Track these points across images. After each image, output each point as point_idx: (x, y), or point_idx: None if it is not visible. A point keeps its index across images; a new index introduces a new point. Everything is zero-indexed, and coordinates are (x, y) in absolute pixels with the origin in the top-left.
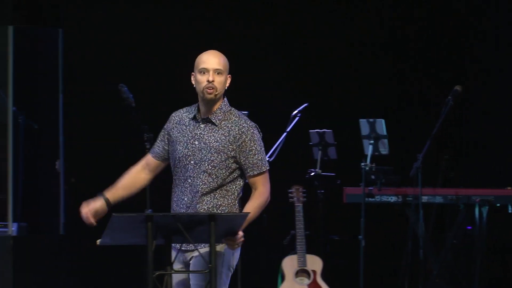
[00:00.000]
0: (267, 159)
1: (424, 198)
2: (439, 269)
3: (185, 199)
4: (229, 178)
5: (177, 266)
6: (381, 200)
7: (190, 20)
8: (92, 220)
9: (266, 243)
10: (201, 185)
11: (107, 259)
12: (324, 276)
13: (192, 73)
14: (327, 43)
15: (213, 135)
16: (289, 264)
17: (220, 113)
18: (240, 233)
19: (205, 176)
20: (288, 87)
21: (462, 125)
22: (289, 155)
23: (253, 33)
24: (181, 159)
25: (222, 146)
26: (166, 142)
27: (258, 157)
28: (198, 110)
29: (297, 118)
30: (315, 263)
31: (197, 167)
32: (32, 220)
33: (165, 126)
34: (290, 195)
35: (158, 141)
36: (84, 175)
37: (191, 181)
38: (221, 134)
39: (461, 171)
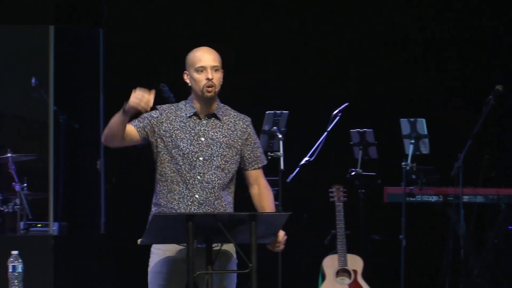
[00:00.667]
0: (308, 159)
1: (465, 198)
2: (480, 269)
3: (197, 196)
4: (235, 173)
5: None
6: (422, 199)
7: (232, 19)
8: (150, 104)
9: (306, 242)
10: (217, 180)
11: (148, 258)
12: (365, 276)
13: (185, 71)
14: (368, 42)
15: (219, 131)
16: (330, 263)
17: (220, 108)
18: (282, 233)
19: (219, 172)
20: (329, 87)
21: (503, 125)
22: (330, 154)
23: (294, 32)
24: (187, 156)
25: (232, 140)
26: (150, 129)
27: (260, 150)
28: (193, 106)
29: (338, 118)
30: (356, 262)
31: (208, 163)
32: (73, 220)
33: (153, 114)
34: (331, 194)
35: (140, 119)
36: (125, 174)
37: (201, 177)
38: (227, 129)
39: (502, 170)
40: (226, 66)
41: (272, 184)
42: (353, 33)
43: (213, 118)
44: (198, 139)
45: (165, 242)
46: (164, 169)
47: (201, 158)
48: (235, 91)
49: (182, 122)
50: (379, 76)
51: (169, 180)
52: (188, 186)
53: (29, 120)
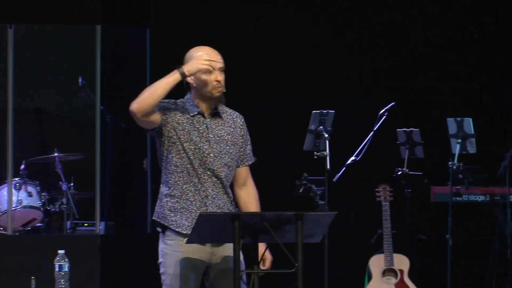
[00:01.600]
0: (354, 158)
1: None
2: None
3: (210, 190)
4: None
5: None
6: (468, 199)
7: (279, 18)
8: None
9: (353, 242)
10: (224, 177)
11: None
12: (411, 276)
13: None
14: (414, 42)
15: (222, 128)
16: (376, 263)
17: (220, 107)
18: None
19: (226, 168)
20: (376, 86)
21: None
22: (376, 154)
23: (340, 33)
24: (198, 151)
25: (234, 138)
26: (165, 118)
27: (250, 147)
28: (196, 105)
29: (384, 117)
30: (402, 262)
31: (217, 159)
32: (119, 219)
33: (166, 105)
34: (377, 194)
35: (157, 107)
36: None
37: (211, 173)
38: (228, 126)
39: None
40: (272, 64)
41: (318, 183)
42: (400, 31)
43: (216, 116)
44: (207, 136)
45: (211, 242)
46: (179, 160)
47: (211, 155)
48: (281, 90)
49: (188, 117)
50: (426, 75)
51: (185, 172)
52: (201, 180)
53: (76, 120)
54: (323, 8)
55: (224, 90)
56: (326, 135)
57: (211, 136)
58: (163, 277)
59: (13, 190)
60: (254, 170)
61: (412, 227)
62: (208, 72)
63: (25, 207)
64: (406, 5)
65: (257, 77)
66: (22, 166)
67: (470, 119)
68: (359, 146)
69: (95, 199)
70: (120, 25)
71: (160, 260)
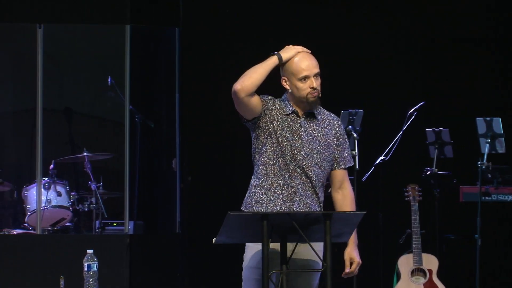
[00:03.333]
0: (383, 158)
1: None
2: None
3: (298, 187)
4: (329, 171)
5: None
6: (497, 199)
7: (309, 16)
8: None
9: (382, 241)
10: (315, 176)
11: (222, 257)
12: (440, 275)
13: (284, 77)
14: (442, 41)
15: (316, 129)
16: (405, 262)
17: (316, 109)
18: (356, 262)
19: (317, 168)
20: (405, 85)
21: None
22: (405, 153)
23: (369, 32)
24: (290, 147)
25: (328, 139)
26: (263, 110)
27: (348, 150)
28: (291, 105)
29: (413, 117)
30: (431, 262)
31: (308, 158)
32: (148, 219)
33: (265, 98)
34: (406, 193)
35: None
36: (201, 173)
37: (301, 171)
38: (323, 127)
39: None
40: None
41: None
42: (429, 30)
43: (311, 117)
44: (299, 134)
45: (240, 241)
46: (273, 153)
47: (302, 153)
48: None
49: (283, 114)
50: (456, 74)
51: (276, 165)
52: (291, 176)
53: (105, 120)
54: (353, 5)
55: (320, 95)
56: (355, 135)
57: (304, 134)
58: (244, 270)
59: (42, 189)
60: None
61: (441, 227)
62: (304, 79)
63: (54, 206)
64: (435, 3)
65: None
66: (51, 166)
67: (499, 119)
68: (388, 146)
69: (124, 199)
70: (149, 25)
71: (244, 254)
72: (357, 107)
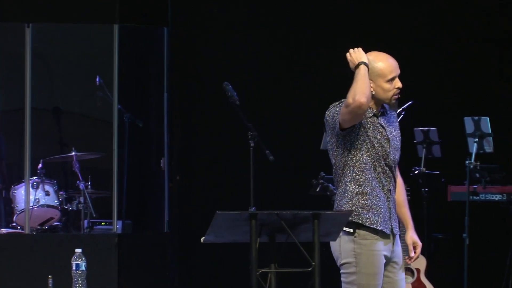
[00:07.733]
0: None
1: None
2: None
3: (390, 186)
4: None
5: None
6: (485, 198)
7: (294, 15)
8: None
9: None
10: (394, 174)
11: (211, 256)
12: (428, 275)
13: (371, 79)
14: (430, 40)
15: (391, 125)
16: None
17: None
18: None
19: (396, 164)
20: None
21: None
22: None
23: (354, 32)
24: (381, 148)
25: (399, 133)
26: None
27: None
28: (370, 107)
29: (401, 116)
30: (418, 261)
31: (393, 156)
32: (136, 218)
33: None
34: None
35: None
36: (189, 173)
37: (389, 169)
38: (393, 122)
39: None
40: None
41: None
42: (416, 30)
43: (382, 115)
44: (385, 134)
45: (228, 241)
46: (368, 158)
47: (390, 152)
48: (299, 90)
49: (368, 119)
50: (443, 74)
51: (372, 169)
52: (384, 176)
53: (94, 119)
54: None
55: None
56: None
57: (388, 134)
58: (353, 277)
59: (31, 189)
60: (271, 170)
61: (429, 226)
62: (392, 80)
63: (42, 206)
64: (421, 1)
65: (279, 76)
66: (40, 165)
67: (487, 118)
68: None
69: (112, 198)
70: (137, 24)
71: (350, 260)
72: None
